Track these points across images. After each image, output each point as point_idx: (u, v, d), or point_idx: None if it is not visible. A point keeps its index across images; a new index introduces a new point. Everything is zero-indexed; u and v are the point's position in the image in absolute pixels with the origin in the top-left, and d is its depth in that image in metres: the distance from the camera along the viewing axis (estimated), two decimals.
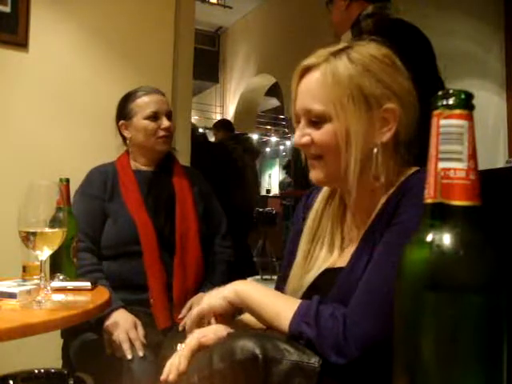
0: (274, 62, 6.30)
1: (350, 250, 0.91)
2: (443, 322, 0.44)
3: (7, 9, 2.05)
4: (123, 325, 1.38)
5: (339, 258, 0.95)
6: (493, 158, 4.27)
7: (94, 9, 2.27)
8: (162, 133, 1.63)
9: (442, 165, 0.46)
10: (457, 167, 0.46)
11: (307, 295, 0.92)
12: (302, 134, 0.88)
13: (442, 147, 0.47)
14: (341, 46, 0.88)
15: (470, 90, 0.47)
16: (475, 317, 0.44)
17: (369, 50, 0.87)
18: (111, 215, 1.59)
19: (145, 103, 1.64)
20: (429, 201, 0.48)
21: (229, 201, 2.80)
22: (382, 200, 0.88)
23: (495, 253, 0.46)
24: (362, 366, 0.78)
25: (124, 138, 1.72)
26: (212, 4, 7.21)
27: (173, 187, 1.68)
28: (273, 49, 6.40)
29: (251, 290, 0.89)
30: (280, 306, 0.85)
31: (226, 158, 3.58)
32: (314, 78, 0.87)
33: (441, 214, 0.47)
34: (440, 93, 0.47)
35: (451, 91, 0.47)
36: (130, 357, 1.33)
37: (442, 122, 0.47)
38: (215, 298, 0.92)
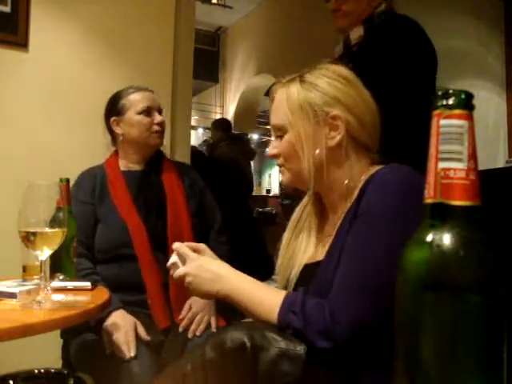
0: (273, 62, 6.30)
1: (328, 245, 0.98)
2: (443, 322, 0.44)
3: (7, 9, 2.06)
4: (122, 326, 1.38)
5: (318, 253, 1.02)
6: (493, 158, 4.27)
7: (94, 9, 2.27)
8: (155, 127, 1.65)
9: (442, 165, 0.46)
10: (457, 167, 0.46)
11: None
12: (273, 147, 1.05)
13: (442, 147, 0.47)
14: (296, 74, 1.03)
15: (470, 90, 0.47)
16: (475, 317, 0.44)
17: (321, 71, 1.01)
18: (102, 219, 1.58)
19: (137, 99, 1.66)
20: (429, 201, 0.48)
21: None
22: (353, 197, 0.96)
23: (495, 253, 0.46)
24: (348, 351, 0.82)
25: (113, 137, 1.72)
26: (212, 4, 7.21)
27: (163, 185, 1.67)
28: (273, 49, 6.40)
29: (238, 289, 0.93)
30: (267, 301, 0.90)
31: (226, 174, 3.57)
32: (275, 100, 1.04)
33: (441, 214, 0.47)
34: (440, 93, 0.47)
35: (451, 91, 0.47)
36: (128, 357, 1.33)
37: (442, 122, 0.47)
38: (202, 293, 0.97)
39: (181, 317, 1.52)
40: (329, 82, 0.98)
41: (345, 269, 0.87)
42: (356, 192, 0.95)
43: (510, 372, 0.46)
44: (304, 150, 0.98)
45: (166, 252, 1.57)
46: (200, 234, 1.67)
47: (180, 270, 1.00)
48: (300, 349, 0.80)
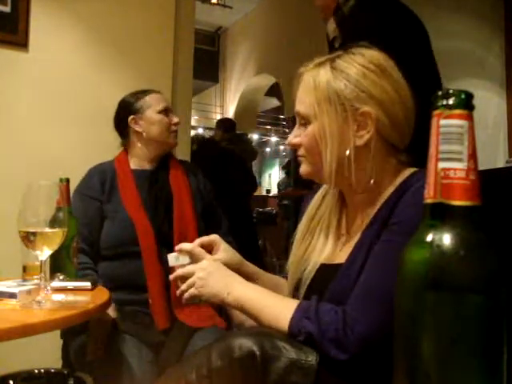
0: (273, 62, 6.31)
1: (349, 247, 0.93)
2: (443, 322, 0.44)
3: (7, 9, 2.06)
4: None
5: (338, 254, 0.97)
6: (493, 158, 4.27)
7: (94, 9, 2.27)
8: (173, 127, 1.72)
9: (441, 165, 0.46)
10: (457, 167, 0.46)
11: (307, 292, 0.95)
12: (295, 135, 0.97)
13: (442, 147, 0.47)
14: (331, 55, 0.95)
15: (470, 90, 0.47)
16: (475, 317, 0.44)
17: (355, 57, 0.92)
18: (109, 216, 1.59)
19: (156, 99, 1.71)
20: (429, 201, 0.48)
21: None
22: (381, 200, 0.91)
23: (495, 253, 0.46)
24: (361, 362, 0.79)
25: (125, 136, 1.73)
26: (212, 4, 7.21)
27: (170, 185, 1.69)
28: (273, 49, 6.40)
29: (250, 295, 0.91)
30: (279, 308, 0.87)
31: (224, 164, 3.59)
32: (302, 84, 0.95)
33: (441, 214, 0.47)
34: (440, 93, 0.47)
35: (451, 91, 0.47)
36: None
37: (442, 121, 0.47)
38: (210, 294, 0.95)
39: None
40: (363, 73, 0.89)
41: (366, 277, 0.83)
42: (385, 195, 0.90)
43: (510, 372, 0.46)
44: (328, 145, 0.90)
45: (171, 251, 1.58)
46: (204, 234, 1.67)
47: (192, 266, 0.98)
48: (312, 359, 0.77)
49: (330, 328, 0.79)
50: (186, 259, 1.03)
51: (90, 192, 1.61)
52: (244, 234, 3.17)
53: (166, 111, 1.70)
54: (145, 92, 1.73)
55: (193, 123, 7.95)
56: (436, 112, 0.47)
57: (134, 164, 1.70)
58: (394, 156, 0.93)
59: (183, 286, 0.98)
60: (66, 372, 1.29)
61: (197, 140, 3.79)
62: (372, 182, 0.91)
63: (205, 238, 1.07)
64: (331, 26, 1.62)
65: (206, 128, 8.88)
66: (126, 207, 1.59)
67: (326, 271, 0.95)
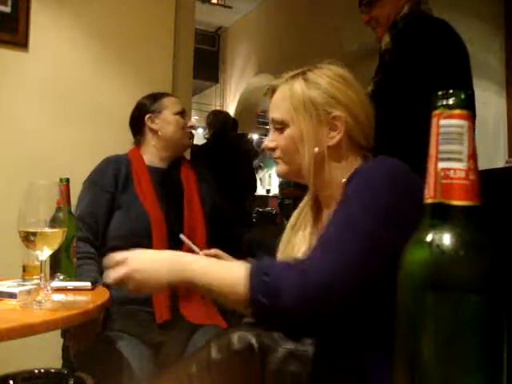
0: (273, 62, 6.30)
1: None
2: (443, 322, 0.44)
3: (7, 9, 2.05)
4: None
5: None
6: (493, 158, 4.27)
7: (94, 9, 2.27)
8: (189, 129, 1.79)
9: (441, 165, 0.46)
10: (457, 167, 0.46)
11: None
12: (270, 139, 1.09)
13: (442, 147, 0.47)
14: (299, 70, 1.07)
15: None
16: (475, 317, 0.44)
17: (322, 70, 1.05)
18: (123, 206, 1.61)
19: (173, 101, 1.79)
20: (429, 201, 0.48)
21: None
22: None
23: (495, 253, 0.46)
24: (351, 345, 0.81)
25: (141, 134, 1.76)
26: (212, 4, 7.21)
27: (181, 184, 1.74)
28: (273, 49, 6.40)
29: (197, 270, 0.89)
30: (231, 270, 0.88)
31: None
32: (276, 94, 1.08)
33: (441, 214, 0.47)
34: (440, 93, 0.48)
35: (451, 91, 0.47)
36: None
37: (442, 122, 0.47)
38: (152, 282, 0.92)
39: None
40: (330, 83, 1.03)
41: (320, 238, 0.88)
42: None
43: (510, 372, 0.46)
44: (305, 146, 1.02)
45: (180, 248, 1.58)
46: (213, 237, 1.71)
47: (118, 272, 0.94)
48: (308, 348, 0.79)
49: (288, 276, 0.81)
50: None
51: (102, 183, 1.63)
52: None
53: (181, 113, 1.77)
54: (163, 94, 1.80)
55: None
56: (436, 112, 0.47)
57: (147, 160, 1.74)
58: (361, 154, 1.04)
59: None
60: (65, 372, 1.29)
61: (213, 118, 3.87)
62: (344, 180, 0.97)
63: (211, 252, 1.19)
64: (386, 39, 1.71)
65: (206, 128, 8.87)
66: (142, 199, 1.62)
67: None
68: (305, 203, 1.15)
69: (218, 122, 3.99)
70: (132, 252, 0.96)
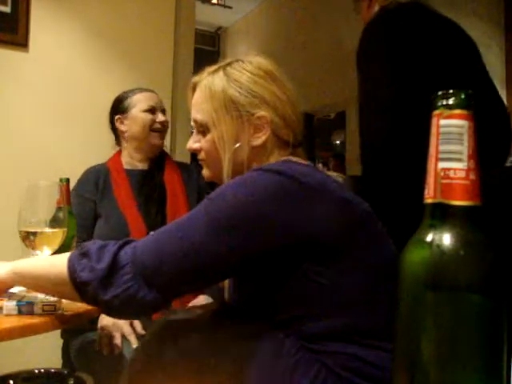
0: (273, 61, 6.29)
1: None
2: (443, 322, 0.44)
3: (7, 9, 2.06)
4: (117, 322, 1.39)
5: None
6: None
7: (94, 9, 2.27)
8: (157, 125, 1.69)
9: (441, 165, 0.46)
10: (457, 167, 0.46)
11: None
12: (194, 141, 1.03)
13: (442, 147, 0.47)
14: (221, 63, 1.02)
15: None
16: (475, 317, 0.44)
17: (244, 65, 0.99)
18: (103, 214, 1.60)
19: (143, 97, 1.70)
20: (429, 201, 0.48)
21: None
22: None
23: (495, 253, 0.46)
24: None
25: (117, 136, 1.74)
26: (212, 4, 7.21)
27: (164, 184, 1.70)
28: (273, 49, 6.40)
29: (28, 265, 0.95)
30: (52, 264, 0.90)
31: None
32: (197, 93, 1.03)
33: (441, 214, 0.47)
34: (440, 93, 0.47)
35: (451, 91, 0.47)
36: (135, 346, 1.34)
37: (442, 121, 0.47)
38: None
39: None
40: (253, 80, 0.97)
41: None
42: None
43: (509, 372, 0.46)
44: (225, 149, 0.97)
45: None
46: None
47: None
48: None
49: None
50: None
51: (85, 193, 1.62)
52: None
53: (152, 110, 1.68)
54: (134, 91, 1.72)
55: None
56: (436, 112, 0.47)
57: (126, 163, 1.71)
58: (286, 151, 0.99)
59: None
60: (66, 372, 1.29)
61: None
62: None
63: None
64: None
65: None
66: (120, 206, 1.60)
67: None
68: None
69: None
70: None
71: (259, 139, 0.97)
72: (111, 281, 0.80)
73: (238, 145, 0.96)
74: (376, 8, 1.60)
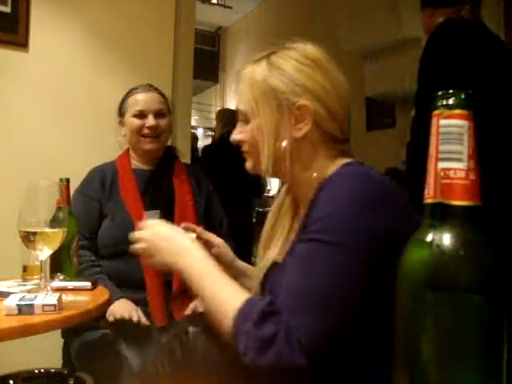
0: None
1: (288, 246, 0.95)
2: (443, 322, 0.44)
3: (7, 9, 2.05)
4: (127, 308, 1.41)
5: (283, 252, 0.97)
6: None
7: (94, 9, 2.27)
8: (146, 131, 1.63)
9: (441, 165, 0.46)
10: (456, 167, 0.46)
11: (259, 289, 1.00)
12: (237, 132, 0.99)
13: (442, 147, 0.47)
14: (267, 51, 0.97)
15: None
16: (475, 317, 0.44)
17: (290, 53, 0.93)
18: (109, 214, 1.60)
19: (134, 101, 1.65)
20: (429, 201, 0.48)
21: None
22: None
23: (495, 253, 0.46)
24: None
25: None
26: (212, 4, 7.21)
27: (172, 186, 1.68)
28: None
29: (195, 274, 0.87)
30: (222, 305, 0.82)
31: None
32: (241, 82, 0.98)
33: (441, 214, 0.47)
34: (440, 93, 0.47)
35: (451, 91, 0.47)
36: (136, 320, 1.38)
37: (442, 122, 0.47)
38: (162, 263, 0.95)
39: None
40: (297, 67, 0.91)
41: (291, 281, 0.79)
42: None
43: (510, 372, 0.46)
44: (265, 140, 0.92)
45: None
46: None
47: (136, 234, 1.00)
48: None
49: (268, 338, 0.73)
50: (193, 235, 1.05)
51: (90, 192, 1.62)
52: (242, 235, 3.20)
53: (141, 114, 1.63)
54: (132, 91, 1.68)
55: (193, 123, 7.94)
56: (436, 112, 0.47)
57: (134, 163, 1.71)
58: (335, 148, 0.93)
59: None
60: (66, 372, 1.29)
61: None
62: (315, 174, 0.91)
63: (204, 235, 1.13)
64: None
65: (205, 128, 8.87)
66: (127, 206, 1.59)
67: (273, 269, 0.97)
68: (281, 201, 1.07)
69: (234, 121, 3.97)
70: (154, 222, 1.03)
71: (301, 131, 0.90)
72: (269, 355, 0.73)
73: (278, 136, 0.91)
74: (440, 19, 1.76)
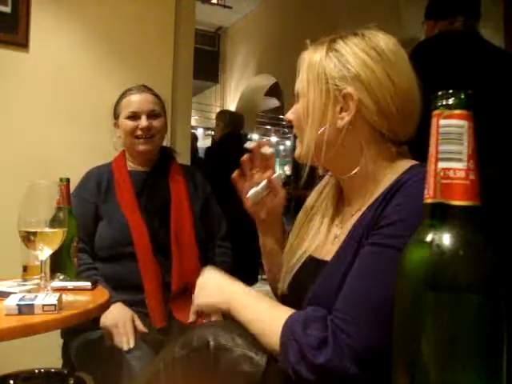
0: (273, 62, 6.30)
1: (338, 242, 0.89)
2: (443, 322, 0.44)
3: (7, 9, 2.05)
4: (120, 318, 1.39)
5: (329, 248, 0.92)
6: None
7: (94, 9, 2.27)
8: (139, 132, 1.62)
9: (441, 165, 0.46)
10: (456, 167, 0.46)
11: (292, 285, 0.96)
12: (291, 112, 0.96)
13: (442, 147, 0.47)
14: (334, 36, 0.92)
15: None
16: (475, 316, 0.44)
17: (356, 40, 0.88)
18: (105, 216, 1.59)
19: (127, 103, 1.64)
20: (429, 201, 0.48)
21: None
22: (375, 195, 0.85)
23: (495, 253, 0.46)
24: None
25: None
26: (212, 4, 7.22)
27: (168, 188, 1.67)
28: (273, 49, 6.40)
29: (242, 307, 0.89)
30: (267, 324, 0.83)
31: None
32: (300, 62, 0.94)
33: (441, 214, 0.47)
34: (440, 93, 0.47)
35: (451, 91, 0.47)
36: (125, 348, 1.34)
37: (442, 122, 0.47)
38: (207, 304, 0.98)
39: (190, 321, 1.51)
40: (356, 54, 0.85)
41: (355, 286, 0.77)
42: (378, 190, 0.85)
43: (509, 372, 0.46)
44: (308, 122, 0.89)
45: (168, 254, 1.58)
46: (204, 240, 1.68)
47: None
48: (262, 357, 0.79)
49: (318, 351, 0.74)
50: (264, 188, 1.05)
51: (86, 194, 1.61)
52: (243, 236, 3.19)
53: (134, 116, 1.61)
54: (126, 93, 1.67)
55: (193, 123, 7.95)
56: (436, 112, 0.47)
57: (130, 165, 1.70)
58: (386, 146, 0.88)
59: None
60: (65, 372, 1.29)
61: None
62: (358, 169, 0.87)
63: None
64: None
65: (206, 128, 8.88)
66: (122, 207, 1.59)
67: (313, 265, 0.93)
68: (323, 185, 1.03)
69: (235, 122, 3.98)
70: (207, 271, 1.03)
71: (343, 120, 0.86)
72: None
73: (323, 121, 0.87)
74: (436, 31, 1.79)
